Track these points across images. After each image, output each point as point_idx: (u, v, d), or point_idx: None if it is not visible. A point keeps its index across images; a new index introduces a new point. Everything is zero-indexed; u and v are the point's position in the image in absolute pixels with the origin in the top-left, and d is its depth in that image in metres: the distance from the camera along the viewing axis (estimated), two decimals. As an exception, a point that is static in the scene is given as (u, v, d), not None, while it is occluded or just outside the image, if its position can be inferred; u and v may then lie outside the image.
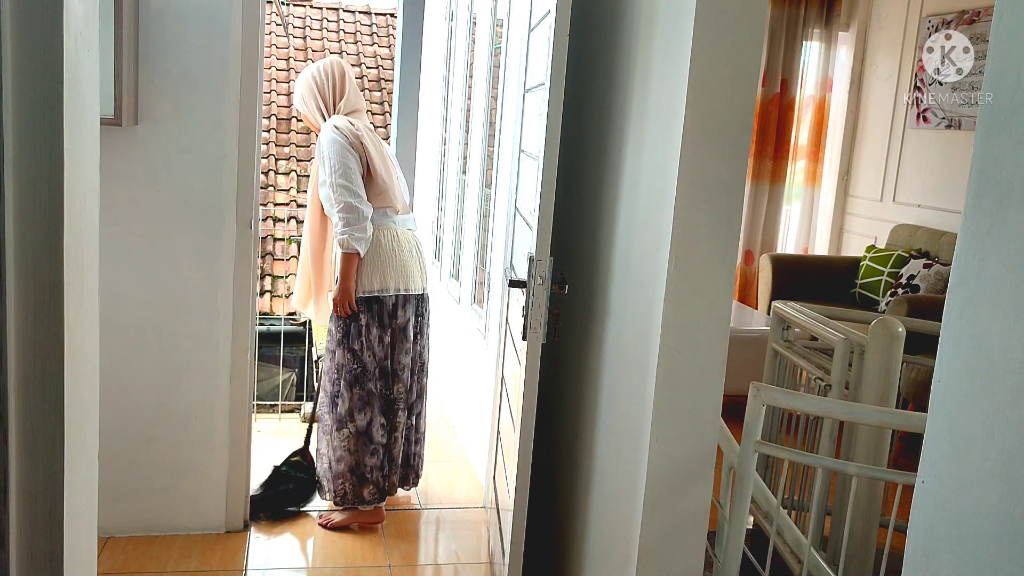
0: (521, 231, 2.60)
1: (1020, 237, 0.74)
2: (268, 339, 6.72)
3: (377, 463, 3.02)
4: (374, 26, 11.07)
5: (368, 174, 2.92)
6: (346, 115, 2.99)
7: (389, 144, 3.21)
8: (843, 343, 2.42)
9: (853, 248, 5.73)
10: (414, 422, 3.15)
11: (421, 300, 3.07)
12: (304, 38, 10.63)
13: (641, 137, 1.99)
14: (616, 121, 2.18)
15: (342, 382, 2.99)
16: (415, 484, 3.25)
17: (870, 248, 5.25)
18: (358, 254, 2.86)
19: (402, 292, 2.98)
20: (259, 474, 3.21)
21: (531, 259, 2.19)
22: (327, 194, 2.87)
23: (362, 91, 3.14)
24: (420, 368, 3.14)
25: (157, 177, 2.73)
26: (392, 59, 9.82)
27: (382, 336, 2.97)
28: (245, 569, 2.76)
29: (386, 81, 10.10)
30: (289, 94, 9.86)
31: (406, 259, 3.00)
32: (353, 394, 2.97)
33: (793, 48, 5.81)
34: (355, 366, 2.96)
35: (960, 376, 0.80)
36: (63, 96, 1.12)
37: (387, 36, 10.88)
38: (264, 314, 7.64)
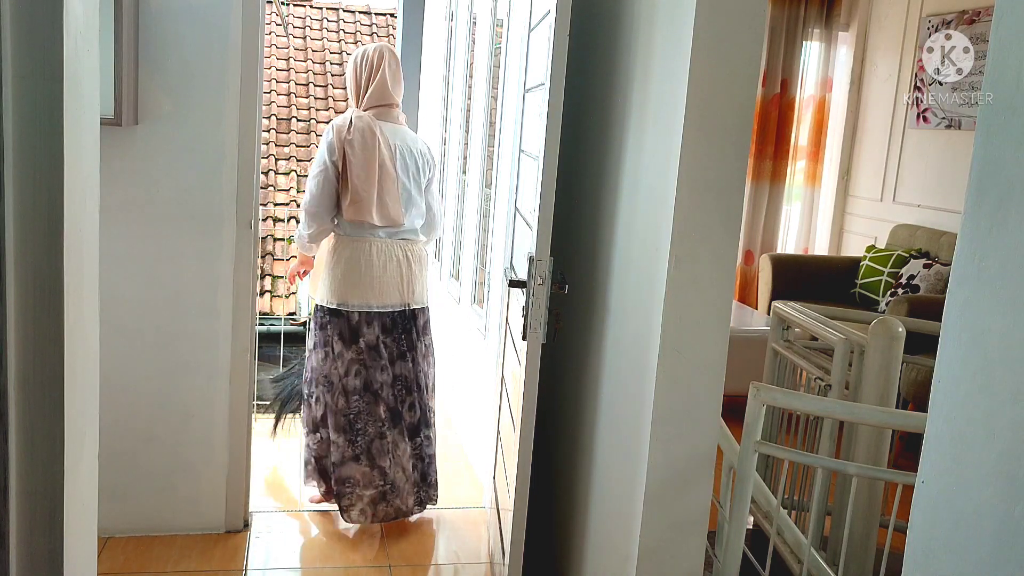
0: (521, 231, 2.60)
1: (1020, 237, 0.74)
2: (268, 339, 6.72)
3: (341, 476, 2.98)
4: (374, 26, 11.07)
5: (344, 180, 2.85)
6: (368, 109, 2.94)
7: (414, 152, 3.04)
8: (843, 343, 2.42)
9: (853, 248, 5.73)
10: (420, 444, 3.06)
11: (400, 317, 2.99)
12: (304, 38, 10.63)
13: (641, 137, 1.99)
14: (616, 121, 2.18)
15: (316, 387, 3.02)
16: (420, 508, 3.12)
17: (870, 248, 5.25)
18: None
19: (364, 309, 2.93)
20: (258, 474, 3.22)
21: (531, 259, 2.19)
22: None
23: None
24: (415, 388, 3.04)
25: (157, 177, 2.73)
26: (392, 59, 9.80)
27: (344, 351, 2.94)
28: (245, 569, 2.76)
29: (386, 81, 10.07)
30: (289, 94, 9.87)
31: (378, 275, 2.91)
32: (320, 402, 3.02)
33: (793, 48, 5.81)
34: (322, 375, 2.99)
35: (960, 376, 0.80)
36: (63, 96, 1.12)
37: (387, 36, 10.87)
38: (264, 314, 7.63)
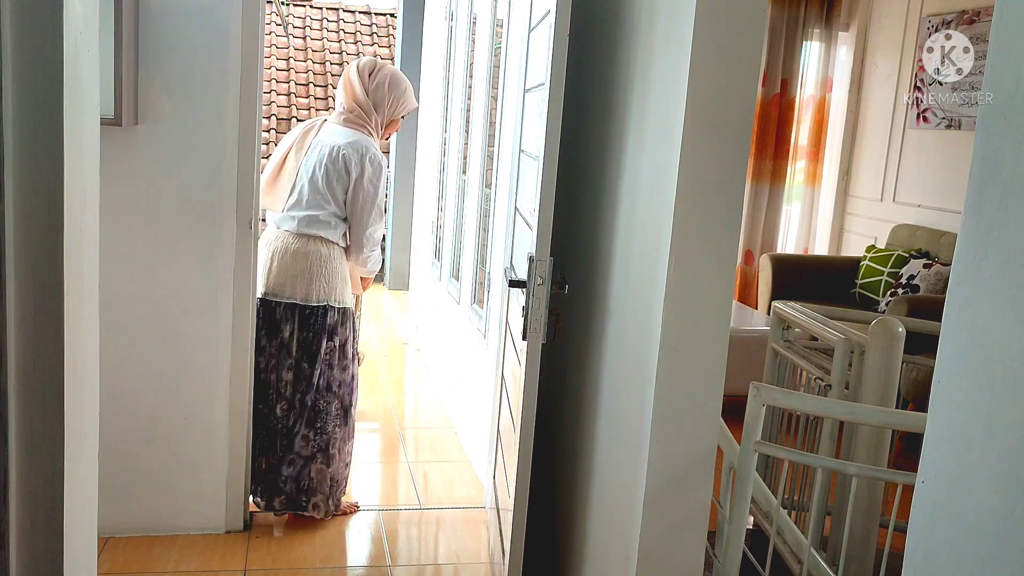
0: (521, 231, 2.60)
1: (1020, 237, 0.74)
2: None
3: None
4: (374, 26, 11.07)
5: None
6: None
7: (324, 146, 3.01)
8: (843, 343, 2.42)
9: (853, 248, 5.73)
10: (287, 440, 2.98)
11: (268, 308, 2.95)
12: (304, 38, 10.63)
13: (641, 137, 1.99)
14: (616, 121, 2.18)
15: None
16: (278, 509, 3.02)
17: (870, 248, 5.25)
18: None
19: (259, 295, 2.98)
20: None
21: (531, 259, 2.19)
22: None
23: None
24: (276, 382, 2.97)
25: (157, 177, 2.73)
26: (392, 59, 9.82)
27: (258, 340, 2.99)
28: (245, 569, 2.76)
29: (386, 81, 10.07)
30: (289, 94, 9.87)
31: (265, 264, 2.98)
32: None
33: (793, 48, 5.81)
34: None
35: (960, 376, 0.80)
36: (63, 96, 1.12)
37: (387, 36, 10.87)
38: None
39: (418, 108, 3.27)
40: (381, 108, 3.03)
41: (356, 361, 3.11)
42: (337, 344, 2.99)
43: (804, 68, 5.91)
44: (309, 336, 2.94)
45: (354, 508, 3.18)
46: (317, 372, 2.96)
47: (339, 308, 2.97)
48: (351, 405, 3.08)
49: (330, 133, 3.02)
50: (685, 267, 1.75)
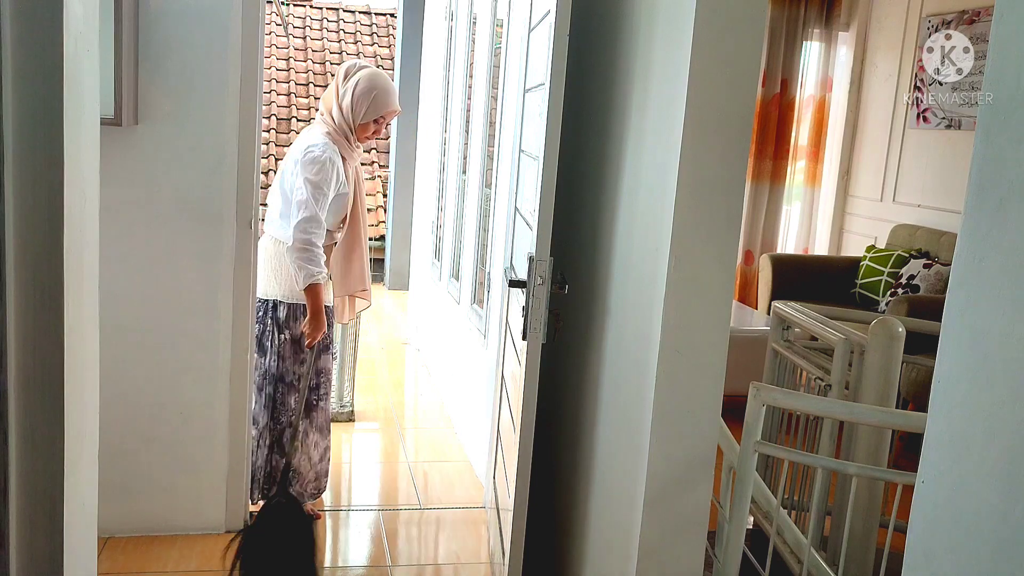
0: (521, 231, 2.60)
1: (1020, 237, 0.74)
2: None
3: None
4: (374, 26, 11.07)
5: None
6: None
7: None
8: (843, 343, 2.42)
9: (853, 248, 5.73)
10: (257, 433, 3.02)
11: (263, 307, 2.98)
12: (304, 38, 10.63)
13: (641, 137, 1.99)
14: (616, 121, 2.18)
15: None
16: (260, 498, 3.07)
17: (870, 248, 5.25)
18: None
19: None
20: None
21: (531, 259, 2.19)
22: None
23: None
24: (263, 378, 2.99)
25: (157, 177, 2.73)
26: (392, 59, 9.82)
27: None
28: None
29: (386, 81, 10.07)
30: (289, 94, 9.86)
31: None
32: None
33: (793, 48, 5.81)
34: None
35: (960, 376, 0.80)
36: (63, 96, 1.12)
37: (387, 36, 10.88)
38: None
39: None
40: (347, 112, 2.91)
41: (330, 355, 3.08)
42: (289, 337, 2.96)
43: (804, 68, 5.91)
44: (261, 328, 2.96)
45: (317, 515, 3.10)
46: (266, 362, 2.97)
47: (290, 304, 2.94)
48: (317, 400, 3.02)
49: (303, 134, 3.01)
50: (685, 267, 1.75)
